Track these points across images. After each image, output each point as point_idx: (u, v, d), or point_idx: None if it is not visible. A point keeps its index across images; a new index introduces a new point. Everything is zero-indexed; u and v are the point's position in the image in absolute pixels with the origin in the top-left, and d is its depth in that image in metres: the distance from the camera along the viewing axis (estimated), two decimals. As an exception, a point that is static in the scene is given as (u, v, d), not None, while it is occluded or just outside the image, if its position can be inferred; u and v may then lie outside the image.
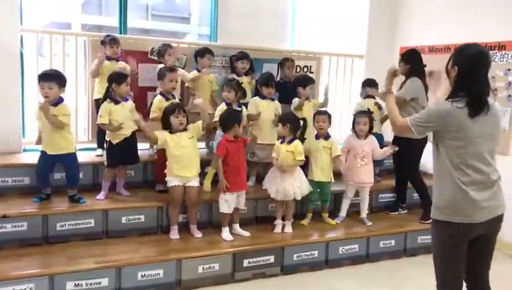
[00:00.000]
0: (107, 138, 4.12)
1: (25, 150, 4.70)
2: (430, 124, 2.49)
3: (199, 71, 4.78)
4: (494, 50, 4.83)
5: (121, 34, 5.22)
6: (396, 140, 4.63)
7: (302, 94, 4.71)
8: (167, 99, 4.25)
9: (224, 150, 3.91)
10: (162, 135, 3.87)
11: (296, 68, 5.50)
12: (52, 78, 3.77)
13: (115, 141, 4.07)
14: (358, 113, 4.60)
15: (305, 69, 5.78)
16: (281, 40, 6.06)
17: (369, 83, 5.21)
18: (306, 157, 4.32)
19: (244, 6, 5.67)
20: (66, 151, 3.89)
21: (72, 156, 3.96)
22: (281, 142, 4.21)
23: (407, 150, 4.49)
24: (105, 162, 4.14)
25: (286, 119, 4.22)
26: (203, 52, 4.84)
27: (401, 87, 4.73)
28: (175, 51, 4.77)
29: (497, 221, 2.54)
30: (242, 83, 4.77)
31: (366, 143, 4.50)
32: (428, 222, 4.51)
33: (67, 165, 3.99)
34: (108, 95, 4.06)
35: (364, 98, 5.20)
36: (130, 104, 4.16)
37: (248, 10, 5.68)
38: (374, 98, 5.11)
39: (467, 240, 2.50)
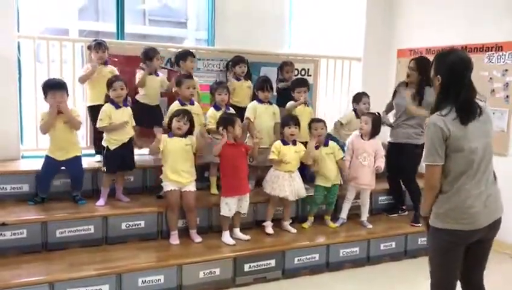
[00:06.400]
0: (104, 144, 4.11)
1: (23, 157, 4.69)
2: (438, 147, 2.39)
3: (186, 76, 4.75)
4: (491, 51, 4.85)
5: (118, 39, 5.22)
6: (394, 147, 4.65)
7: (295, 98, 4.69)
8: (183, 105, 4.26)
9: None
10: (162, 142, 3.86)
11: (294, 71, 5.49)
12: (64, 87, 3.93)
13: (112, 147, 4.06)
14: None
15: (303, 72, 5.78)
16: (279, 44, 6.06)
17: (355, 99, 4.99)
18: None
19: (241, 10, 5.67)
20: (74, 154, 4.01)
21: (79, 159, 4.09)
22: (284, 144, 4.22)
23: (408, 156, 4.50)
24: (104, 168, 4.13)
25: (296, 120, 4.27)
26: (184, 56, 4.74)
27: (417, 98, 4.52)
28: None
29: (496, 224, 2.52)
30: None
31: (370, 145, 4.48)
32: (419, 225, 4.57)
33: (74, 169, 4.05)
34: (109, 99, 4.08)
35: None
36: (130, 109, 4.17)
37: (245, 14, 5.68)
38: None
39: (465, 245, 2.49)
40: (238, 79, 4.93)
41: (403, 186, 4.91)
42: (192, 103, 4.35)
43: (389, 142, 4.82)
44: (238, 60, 4.93)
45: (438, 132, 2.39)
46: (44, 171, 4.01)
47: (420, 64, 4.48)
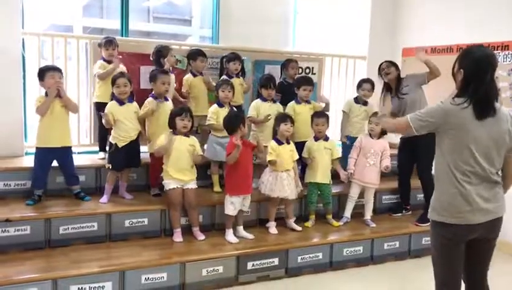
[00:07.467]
0: (112, 141, 4.10)
1: (27, 154, 4.69)
2: (430, 119, 2.45)
3: (194, 75, 4.75)
4: (497, 50, 4.81)
5: (122, 36, 5.22)
6: (408, 142, 4.62)
7: (298, 95, 4.69)
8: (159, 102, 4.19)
9: (232, 149, 3.87)
10: (168, 137, 3.84)
11: (299, 69, 5.47)
12: (60, 70, 4.01)
13: (120, 144, 4.05)
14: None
15: (307, 71, 5.77)
16: (283, 42, 6.06)
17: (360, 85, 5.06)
18: (302, 157, 4.45)
19: (246, 8, 5.67)
20: (66, 144, 4.03)
21: (70, 150, 4.10)
22: (279, 144, 4.19)
23: (425, 147, 4.33)
24: (108, 165, 4.12)
25: (291, 118, 4.28)
26: (194, 55, 4.75)
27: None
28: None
29: (496, 223, 2.50)
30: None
31: (378, 143, 4.48)
32: (425, 225, 4.54)
33: (65, 162, 4.05)
34: (113, 96, 4.08)
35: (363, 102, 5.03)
36: (135, 105, 4.16)
37: (250, 12, 5.68)
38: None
39: (464, 241, 2.47)
40: (230, 76, 4.81)
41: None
42: (166, 99, 4.28)
43: (402, 138, 4.79)
44: (233, 57, 4.81)
45: (441, 115, 2.42)
46: (39, 165, 3.98)
47: (392, 61, 4.88)
